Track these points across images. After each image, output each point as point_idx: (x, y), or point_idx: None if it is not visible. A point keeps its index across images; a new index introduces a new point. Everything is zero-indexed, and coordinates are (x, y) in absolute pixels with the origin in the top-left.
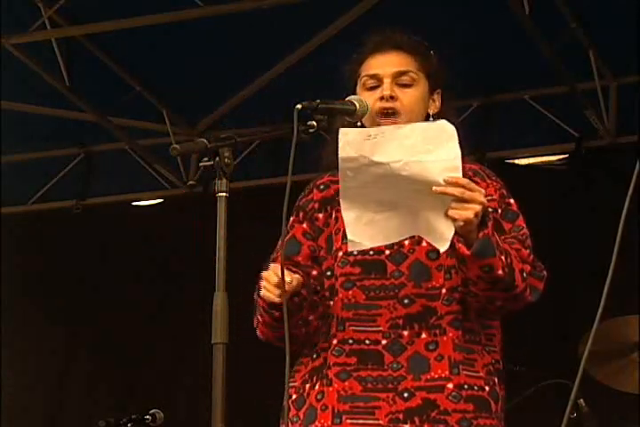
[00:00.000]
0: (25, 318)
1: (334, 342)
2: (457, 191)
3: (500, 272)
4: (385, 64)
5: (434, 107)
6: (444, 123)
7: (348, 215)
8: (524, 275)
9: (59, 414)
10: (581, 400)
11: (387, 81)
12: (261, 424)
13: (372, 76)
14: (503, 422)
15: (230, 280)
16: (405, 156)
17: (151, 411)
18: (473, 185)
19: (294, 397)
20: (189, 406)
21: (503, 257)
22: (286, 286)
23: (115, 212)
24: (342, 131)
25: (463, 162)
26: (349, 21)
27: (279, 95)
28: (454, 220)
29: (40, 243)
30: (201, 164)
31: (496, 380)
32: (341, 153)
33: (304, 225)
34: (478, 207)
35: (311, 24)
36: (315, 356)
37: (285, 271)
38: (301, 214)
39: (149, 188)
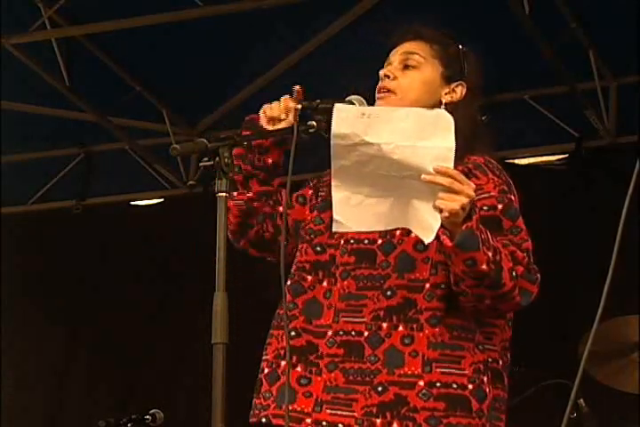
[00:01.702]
0: (25, 318)
1: (329, 333)
2: (446, 181)
3: (485, 267)
4: (397, 52)
5: (449, 97)
6: (440, 112)
7: (338, 194)
8: (514, 274)
9: (59, 414)
10: (581, 400)
11: (394, 64)
12: None
13: (387, 64)
14: (501, 422)
15: (230, 280)
16: (397, 139)
17: (151, 411)
18: (462, 177)
19: (267, 371)
20: (189, 406)
21: (490, 253)
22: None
23: (115, 212)
24: (337, 107)
25: (472, 155)
26: (349, 21)
27: (279, 95)
28: (440, 210)
29: (40, 243)
30: (201, 164)
31: (485, 379)
32: (334, 129)
33: (310, 191)
34: (465, 200)
35: (311, 24)
36: (293, 334)
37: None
38: (315, 181)
39: (149, 188)
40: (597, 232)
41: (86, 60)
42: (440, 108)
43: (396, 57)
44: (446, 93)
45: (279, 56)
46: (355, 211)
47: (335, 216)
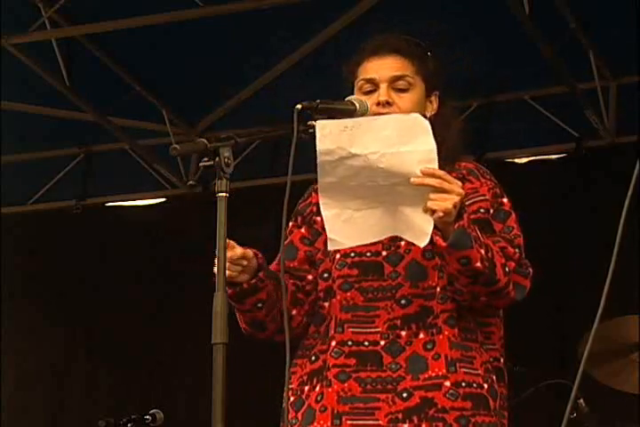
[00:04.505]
0: (25, 318)
1: (333, 343)
2: (435, 182)
3: (479, 265)
4: (381, 68)
5: (431, 109)
6: (416, 116)
7: (328, 212)
8: (507, 270)
9: (59, 414)
10: (581, 400)
11: (383, 86)
12: (261, 424)
13: (369, 80)
14: (505, 419)
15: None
16: (382, 147)
17: (151, 411)
18: (449, 177)
19: (292, 399)
20: (189, 406)
21: (482, 250)
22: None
23: (115, 212)
24: (319, 124)
25: (461, 161)
26: (349, 21)
27: (279, 95)
28: (433, 211)
29: (40, 243)
30: (201, 164)
31: (494, 377)
32: (319, 146)
33: (302, 230)
34: (457, 198)
35: (311, 24)
36: (313, 358)
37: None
38: (299, 219)
39: (149, 188)
40: (597, 232)
41: (86, 60)
42: None
43: (381, 75)
44: (428, 107)
45: (279, 56)
46: (346, 226)
47: (329, 235)
